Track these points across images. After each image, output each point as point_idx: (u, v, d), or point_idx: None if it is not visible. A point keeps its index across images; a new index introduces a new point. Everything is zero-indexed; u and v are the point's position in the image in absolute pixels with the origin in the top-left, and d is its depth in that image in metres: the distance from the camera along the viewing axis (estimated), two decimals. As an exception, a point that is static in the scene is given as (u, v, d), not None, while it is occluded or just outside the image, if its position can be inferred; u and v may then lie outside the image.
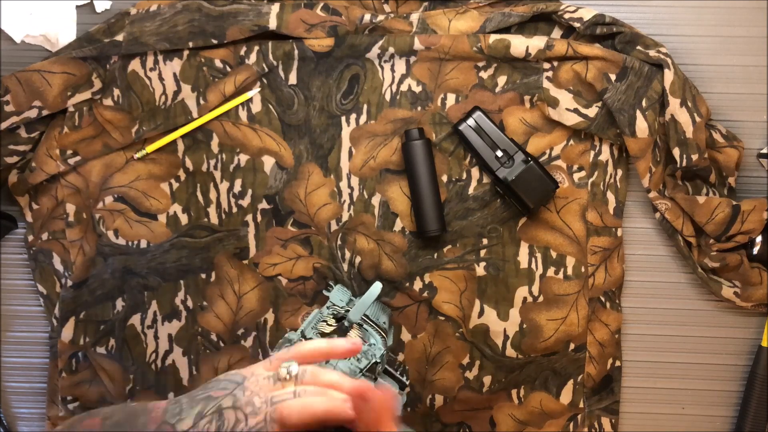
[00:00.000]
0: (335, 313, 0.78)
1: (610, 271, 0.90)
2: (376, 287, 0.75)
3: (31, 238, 0.92)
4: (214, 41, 0.87)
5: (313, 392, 0.57)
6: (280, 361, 0.61)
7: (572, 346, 0.89)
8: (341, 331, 0.73)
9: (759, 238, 0.87)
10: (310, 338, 0.71)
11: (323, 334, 0.72)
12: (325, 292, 0.84)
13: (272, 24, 0.87)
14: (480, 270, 0.89)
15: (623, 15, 0.89)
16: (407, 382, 0.75)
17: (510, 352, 0.89)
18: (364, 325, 0.76)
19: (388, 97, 0.89)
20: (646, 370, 0.92)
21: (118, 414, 0.64)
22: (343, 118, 0.89)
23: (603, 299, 0.90)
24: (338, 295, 0.81)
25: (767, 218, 0.85)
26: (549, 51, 0.86)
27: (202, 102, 0.89)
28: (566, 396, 0.90)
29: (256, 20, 0.87)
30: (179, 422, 0.58)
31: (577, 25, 0.86)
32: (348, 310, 0.78)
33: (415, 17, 0.88)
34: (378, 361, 0.70)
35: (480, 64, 0.88)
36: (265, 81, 0.89)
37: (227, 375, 0.61)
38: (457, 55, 0.87)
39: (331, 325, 0.75)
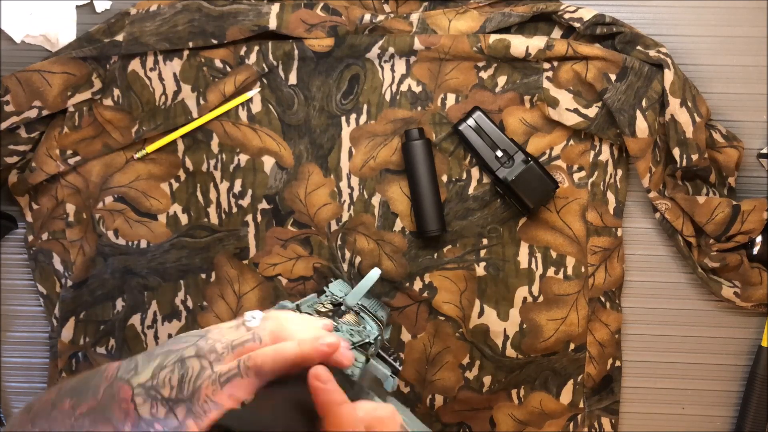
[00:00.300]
0: (332, 300, 0.77)
1: (610, 271, 0.90)
2: (375, 272, 0.74)
3: (31, 238, 0.92)
4: (214, 41, 0.87)
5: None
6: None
7: (572, 346, 0.89)
8: (337, 314, 0.73)
9: (759, 238, 0.87)
10: (306, 313, 0.70)
11: (319, 312, 0.72)
12: (325, 288, 0.84)
13: (272, 24, 0.87)
14: (480, 270, 0.89)
15: (623, 15, 0.89)
16: (400, 368, 0.74)
17: (510, 352, 0.89)
18: (361, 314, 0.76)
19: (388, 97, 0.89)
20: (646, 370, 0.92)
21: (72, 380, 0.62)
22: (343, 118, 0.89)
23: (603, 299, 0.90)
24: (338, 287, 0.81)
25: (767, 218, 0.85)
26: (549, 51, 0.86)
27: (202, 102, 0.89)
28: (566, 396, 0.90)
29: (256, 20, 0.87)
30: (134, 377, 0.57)
31: (577, 25, 0.86)
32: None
33: (415, 17, 0.88)
34: (371, 342, 0.70)
35: (480, 64, 0.88)
36: (265, 81, 0.89)
37: (189, 332, 0.59)
38: (457, 55, 0.87)
39: (326, 308, 0.74)
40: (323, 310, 0.73)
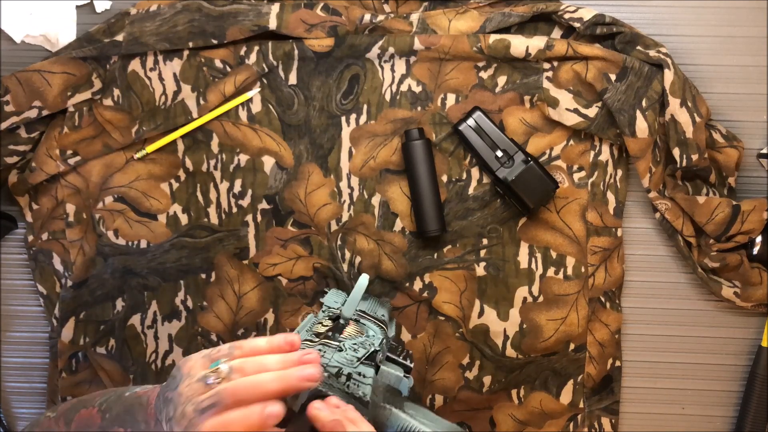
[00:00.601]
0: (330, 315, 0.77)
1: (610, 271, 0.90)
2: (363, 279, 0.74)
3: (31, 238, 0.92)
4: (214, 41, 0.87)
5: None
6: (215, 358, 0.61)
7: (572, 346, 0.89)
8: (336, 329, 0.73)
9: (759, 238, 0.87)
10: (306, 340, 0.71)
11: (318, 334, 0.72)
12: (321, 300, 0.84)
13: (272, 24, 0.87)
14: (480, 270, 0.89)
15: (623, 15, 0.89)
16: (411, 365, 0.74)
17: (510, 352, 0.89)
18: (362, 320, 0.76)
19: (388, 97, 0.89)
20: (646, 370, 0.92)
21: (115, 407, 0.64)
22: (343, 118, 0.89)
23: (603, 299, 0.90)
24: (332, 298, 0.81)
25: (767, 218, 0.85)
26: (549, 51, 0.86)
27: (202, 102, 0.89)
28: (566, 396, 0.90)
29: (256, 20, 0.87)
30: (165, 419, 0.59)
31: (577, 25, 0.86)
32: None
33: (415, 17, 0.88)
34: (377, 349, 0.70)
35: (480, 64, 0.88)
36: (265, 81, 0.89)
37: (174, 369, 0.61)
38: (457, 55, 0.87)
39: (326, 326, 0.74)
40: (322, 330, 0.73)
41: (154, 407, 0.61)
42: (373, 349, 0.69)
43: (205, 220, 0.90)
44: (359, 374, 0.65)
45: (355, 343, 0.70)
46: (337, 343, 0.69)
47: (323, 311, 0.79)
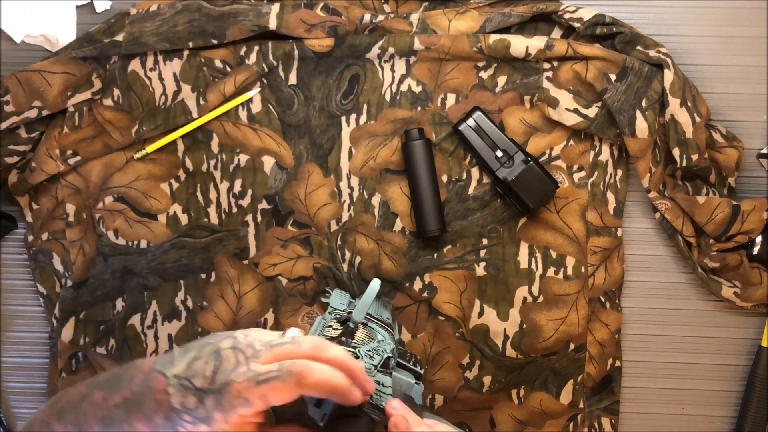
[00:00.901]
0: (338, 317, 0.77)
1: (610, 271, 0.90)
2: (375, 284, 0.74)
3: (31, 238, 0.92)
4: (214, 41, 0.87)
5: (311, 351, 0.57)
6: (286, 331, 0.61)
7: (572, 346, 0.89)
8: (347, 333, 0.73)
9: (759, 238, 0.87)
10: None
11: (330, 339, 0.72)
12: (323, 299, 0.84)
13: (272, 24, 0.87)
14: (480, 270, 0.89)
15: (623, 15, 0.89)
16: (422, 371, 0.74)
17: (510, 352, 0.89)
18: (369, 324, 0.76)
19: (388, 97, 0.89)
20: (646, 370, 0.92)
21: (103, 375, 0.62)
22: (343, 118, 0.89)
23: (603, 299, 0.90)
24: (337, 299, 0.81)
25: (767, 218, 0.86)
26: (549, 51, 0.86)
27: (202, 102, 0.89)
28: (566, 396, 0.90)
29: (256, 20, 0.87)
30: (170, 368, 0.57)
31: (577, 25, 0.86)
32: (350, 312, 0.77)
33: (415, 17, 0.88)
34: (390, 355, 0.70)
35: (480, 64, 0.88)
36: (265, 81, 0.89)
37: (228, 331, 0.60)
38: (457, 55, 0.87)
39: (336, 329, 0.74)
40: (334, 334, 0.73)
41: (153, 362, 0.59)
42: (386, 355, 0.69)
43: (205, 220, 0.90)
44: (379, 383, 0.66)
45: (369, 350, 0.70)
46: (353, 350, 0.69)
47: (330, 313, 0.79)
